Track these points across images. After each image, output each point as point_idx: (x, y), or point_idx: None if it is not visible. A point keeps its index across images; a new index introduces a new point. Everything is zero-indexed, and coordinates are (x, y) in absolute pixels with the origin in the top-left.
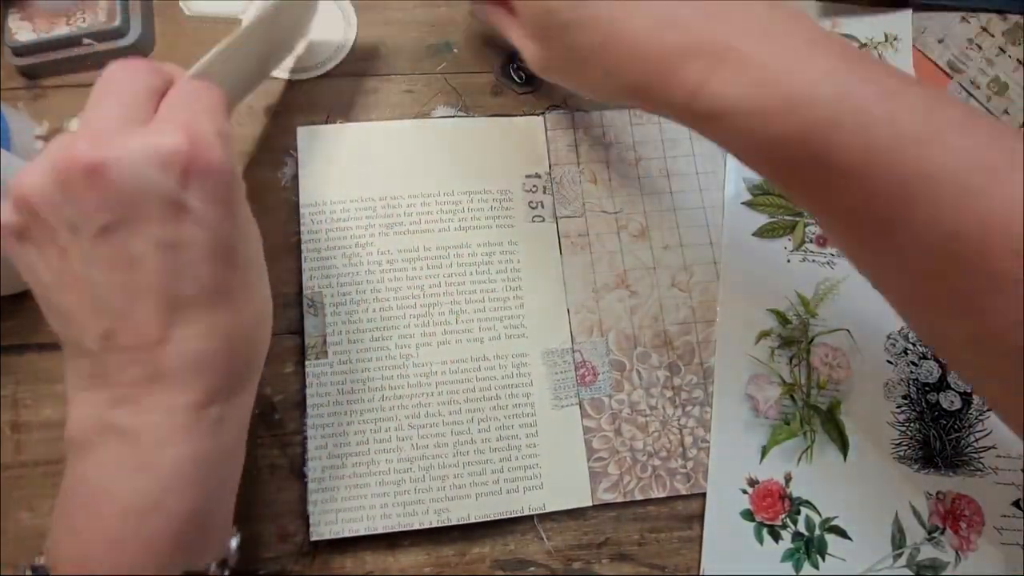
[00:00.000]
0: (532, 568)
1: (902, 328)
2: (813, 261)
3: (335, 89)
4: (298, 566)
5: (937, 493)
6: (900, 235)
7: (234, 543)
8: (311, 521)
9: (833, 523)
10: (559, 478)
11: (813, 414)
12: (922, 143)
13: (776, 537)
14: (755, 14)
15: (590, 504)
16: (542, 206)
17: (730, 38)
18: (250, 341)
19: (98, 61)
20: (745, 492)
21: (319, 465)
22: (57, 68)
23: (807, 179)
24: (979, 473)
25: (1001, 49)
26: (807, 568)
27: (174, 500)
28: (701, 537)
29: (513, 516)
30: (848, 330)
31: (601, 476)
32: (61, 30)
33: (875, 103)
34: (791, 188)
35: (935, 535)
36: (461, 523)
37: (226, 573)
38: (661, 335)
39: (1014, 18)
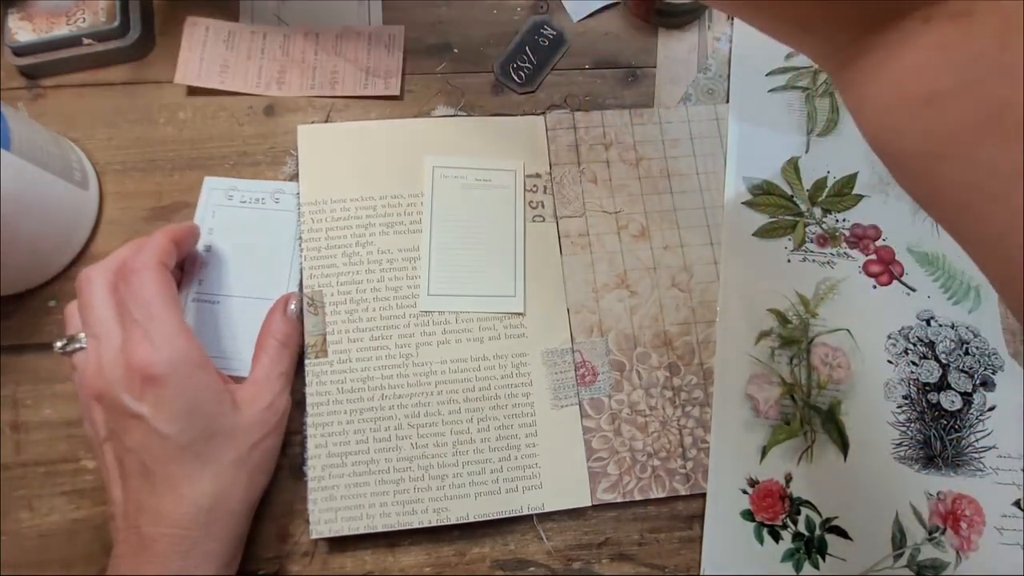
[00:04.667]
0: (532, 568)
1: (902, 328)
2: (813, 261)
3: None
4: (298, 566)
5: (937, 493)
6: None
7: None
8: (311, 519)
9: (833, 523)
10: (558, 478)
11: (813, 414)
12: None
13: (776, 537)
14: None
15: (589, 504)
16: (542, 206)
17: None
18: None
19: (98, 61)
20: (745, 492)
21: (319, 464)
22: (57, 68)
23: None
24: (979, 473)
25: None
26: (807, 568)
27: None
28: (701, 537)
29: (512, 516)
30: (848, 330)
31: (601, 476)
32: (61, 30)
33: None
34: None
35: (935, 535)
36: (460, 522)
37: None
38: (661, 335)
39: None
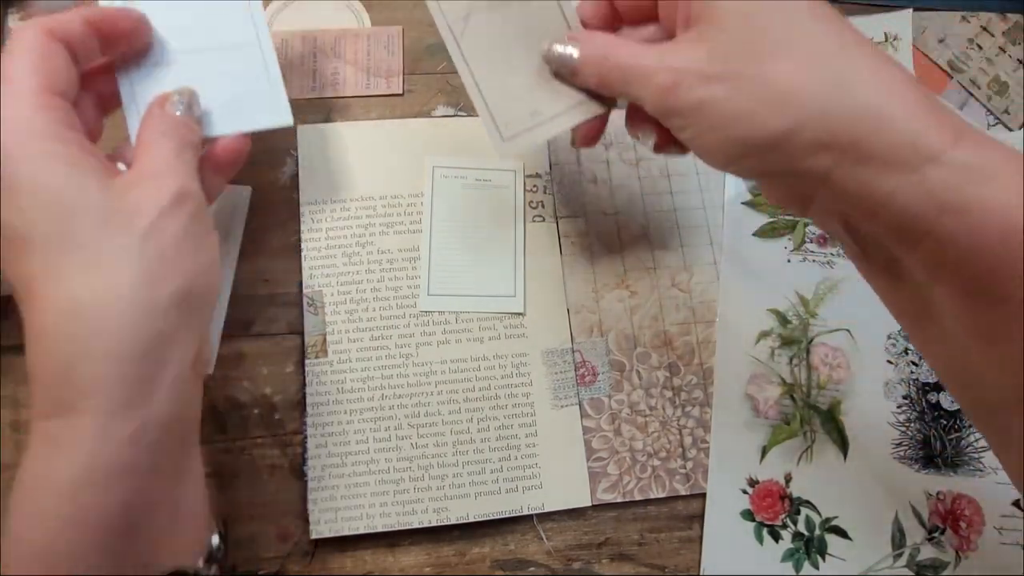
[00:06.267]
0: (532, 568)
1: (902, 328)
2: (813, 261)
3: None
4: (298, 566)
5: (937, 493)
6: None
7: (215, 540)
8: (311, 519)
9: (833, 523)
10: (558, 478)
11: (813, 414)
12: None
13: (776, 537)
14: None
15: (589, 504)
16: (542, 206)
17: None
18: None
19: None
20: (745, 492)
21: (319, 464)
22: None
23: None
24: (979, 473)
25: (1001, 49)
26: (807, 568)
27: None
28: (701, 537)
29: (512, 516)
30: (848, 330)
31: (601, 476)
32: None
33: None
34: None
35: (935, 535)
36: (460, 522)
37: (213, 571)
38: (661, 335)
39: (1014, 18)
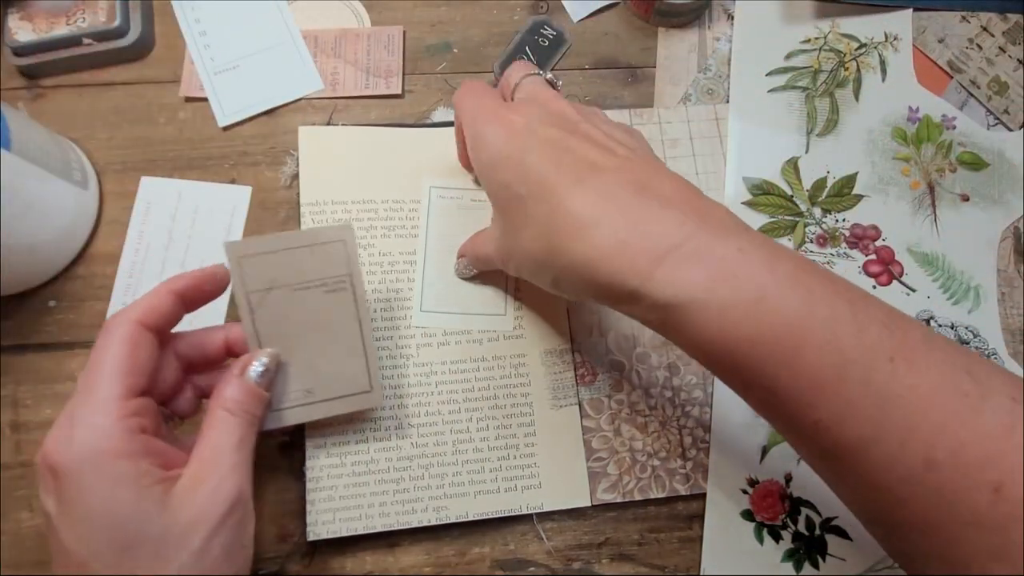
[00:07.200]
0: (532, 568)
1: None
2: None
3: None
4: (298, 566)
5: None
6: (871, 456)
7: None
8: (308, 521)
9: (833, 523)
10: (558, 478)
11: None
12: (893, 360)
13: (776, 537)
14: (705, 210)
15: (589, 504)
16: None
17: (686, 229)
18: None
19: (98, 61)
20: (745, 492)
21: (317, 464)
22: (57, 68)
23: (770, 386)
24: None
25: (1001, 49)
26: (807, 568)
27: None
28: (701, 537)
29: (511, 514)
30: None
31: (600, 476)
32: (61, 30)
33: (844, 312)
34: (750, 393)
35: None
36: (460, 521)
37: None
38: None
39: (1014, 18)
